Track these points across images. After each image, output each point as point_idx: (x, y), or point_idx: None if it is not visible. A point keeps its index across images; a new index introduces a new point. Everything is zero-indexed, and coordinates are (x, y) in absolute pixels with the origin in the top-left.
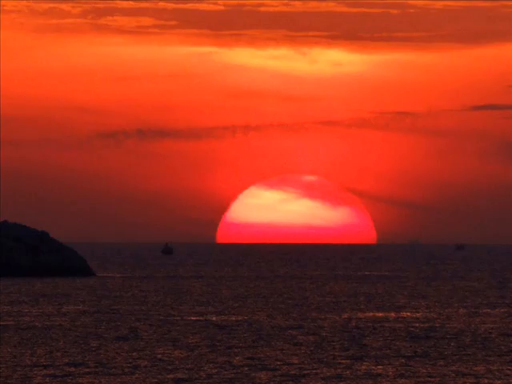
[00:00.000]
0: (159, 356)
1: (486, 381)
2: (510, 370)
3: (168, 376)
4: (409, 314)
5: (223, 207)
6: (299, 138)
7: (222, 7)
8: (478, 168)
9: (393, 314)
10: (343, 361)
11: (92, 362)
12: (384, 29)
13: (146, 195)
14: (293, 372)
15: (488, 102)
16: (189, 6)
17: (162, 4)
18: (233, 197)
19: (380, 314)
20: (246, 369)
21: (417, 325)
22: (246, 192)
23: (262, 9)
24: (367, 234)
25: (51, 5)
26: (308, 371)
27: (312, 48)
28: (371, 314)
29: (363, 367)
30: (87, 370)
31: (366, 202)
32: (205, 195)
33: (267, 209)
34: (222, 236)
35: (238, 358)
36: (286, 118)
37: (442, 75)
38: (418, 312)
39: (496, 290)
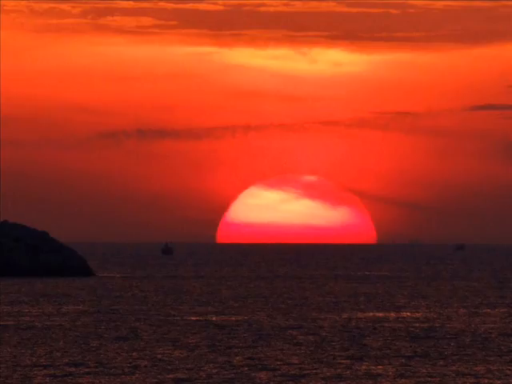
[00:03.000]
0: (159, 356)
1: (486, 381)
2: (510, 369)
3: (168, 376)
4: (409, 313)
5: (223, 207)
6: (299, 138)
7: (221, 7)
8: (477, 168)
9: (393, 314)
10: (343, 361)
11: (92, 362)
12: (384, 29)
13: (146, 195)
14: (293, 372)
15: (488, 101)
16: (189, 6)
17: (162, 4)
18: (233, 197)
19: (380, 314)
20: (246, 369)
21: (417, 325)
22: (246, 192)
23: (262, 9)
24: (367, 234)
25: (51, 5)
26: (308, 371)
27: (312, 48)
28: (371, 314)
29: (363, 367)
30: (87, 369)
31: (366, 202)
32: (205, 195)
33: (267, 209)
34: (222, 236)
35: (237, 357)
36: (285, 118)
37: (442, 75)
38: (418, 312)
39: (496, 289)
